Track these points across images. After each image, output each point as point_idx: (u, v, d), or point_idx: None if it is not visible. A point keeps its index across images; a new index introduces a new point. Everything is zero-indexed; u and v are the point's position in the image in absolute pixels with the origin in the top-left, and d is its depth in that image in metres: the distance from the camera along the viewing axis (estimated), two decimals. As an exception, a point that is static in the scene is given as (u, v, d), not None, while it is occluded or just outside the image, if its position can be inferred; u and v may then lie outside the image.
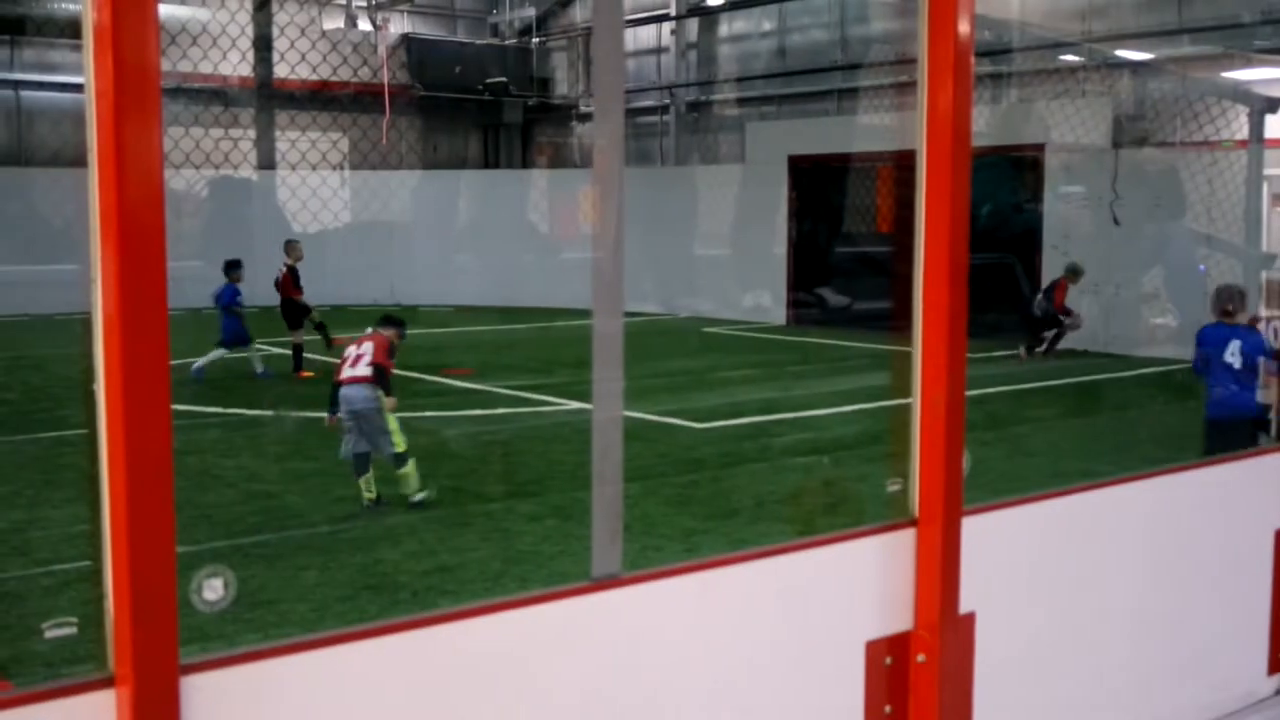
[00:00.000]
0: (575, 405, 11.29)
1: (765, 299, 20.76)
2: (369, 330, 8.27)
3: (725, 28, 24.05)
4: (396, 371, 8.37)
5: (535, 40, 26.09)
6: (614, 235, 2.65)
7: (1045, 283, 16.05)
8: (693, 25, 24.32)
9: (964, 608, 3.12)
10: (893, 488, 3.18)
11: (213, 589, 2.26)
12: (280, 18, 22.15)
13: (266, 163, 23.23)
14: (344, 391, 7.94)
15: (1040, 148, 17.21)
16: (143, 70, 1.88)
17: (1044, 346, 15.21)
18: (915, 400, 3.08)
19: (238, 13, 21.06)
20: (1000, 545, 3.34)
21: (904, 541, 3.09)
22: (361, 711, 2.27)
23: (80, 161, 1.95)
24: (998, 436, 9.93)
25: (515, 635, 2.47)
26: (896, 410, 3.16)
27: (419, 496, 7.95)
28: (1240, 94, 15.42)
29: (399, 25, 24.93)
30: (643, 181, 22.33)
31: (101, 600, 1.99)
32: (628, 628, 2.66)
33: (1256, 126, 13.99)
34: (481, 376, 13.60)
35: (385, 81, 22.60)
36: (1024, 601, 3.45)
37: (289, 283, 13.93)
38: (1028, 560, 3.47)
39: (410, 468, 7.96)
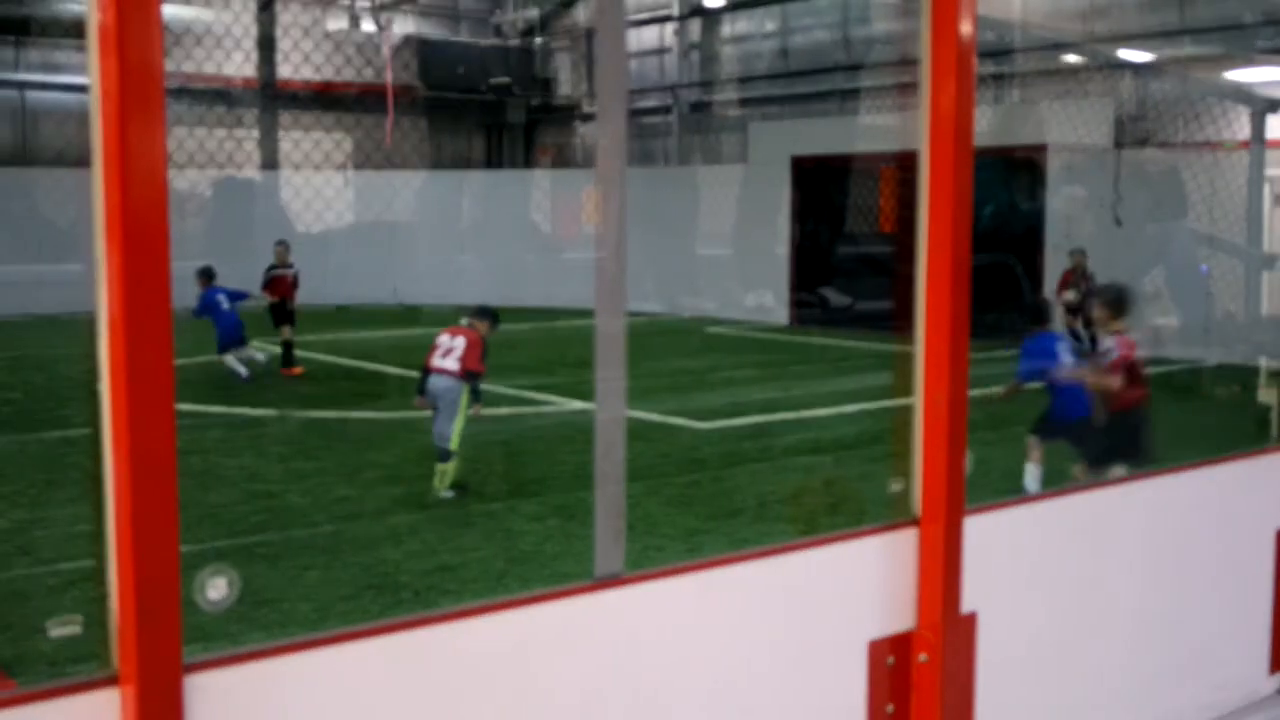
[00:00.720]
0: (578, 405, 11.29)
1: (768, 299, 20.76)
2: (463, 321, 8.41)
3: (728, 28, 24.06)
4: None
5: (538, 41, 26.09)
6: (617, 235, 2.66)
7: (1049, 282, 16.04)
8: (695, 26, 24.32)
9: (966, 607, 3.12)
10: (895, 487, 3.18)
11: (216, 588, 2.27)
12: (284, 18, 22.19)
13: (270, 163, 23.24)
14: (431, 380, 8.21)
15: (1042, 148, 17.20)
16: (147, 71, 1.88)
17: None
18: (917, 400, 3.08)
19: (241, 13, 21.09)
20: (1003, 545, 3.34)
21: (906, 541, 3.10)
22: (364, 711, 2.28)
23: (84, 162, 1.95)
24: (1000, 436, 9.93)
25: (517, 635, 2.47)
26: (899, 410, 3.16)
27: (447, 493, 8.04)
28: (1242, 95, 15.41)
29: (402, 26, 24.95)
30: (645, 182, 22.34)
31: (105, 599, 2.00)
32: (630, 627, 2.66)
33: (1258, 127, 14.01)
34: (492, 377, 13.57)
35: (388, 82, 22.63)
36: (1026, 601, 3.45)
37: (292, 284, 13.97)
38: (1030, 560, 3.48)
39: (451, 466, 8.14)
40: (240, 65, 21.18)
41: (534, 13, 25.88)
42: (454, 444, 8.12)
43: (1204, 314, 15.05)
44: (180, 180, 20.52)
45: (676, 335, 18.80)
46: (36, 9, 21.50)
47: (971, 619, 3.17)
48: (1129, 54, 17.28)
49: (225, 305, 13.05)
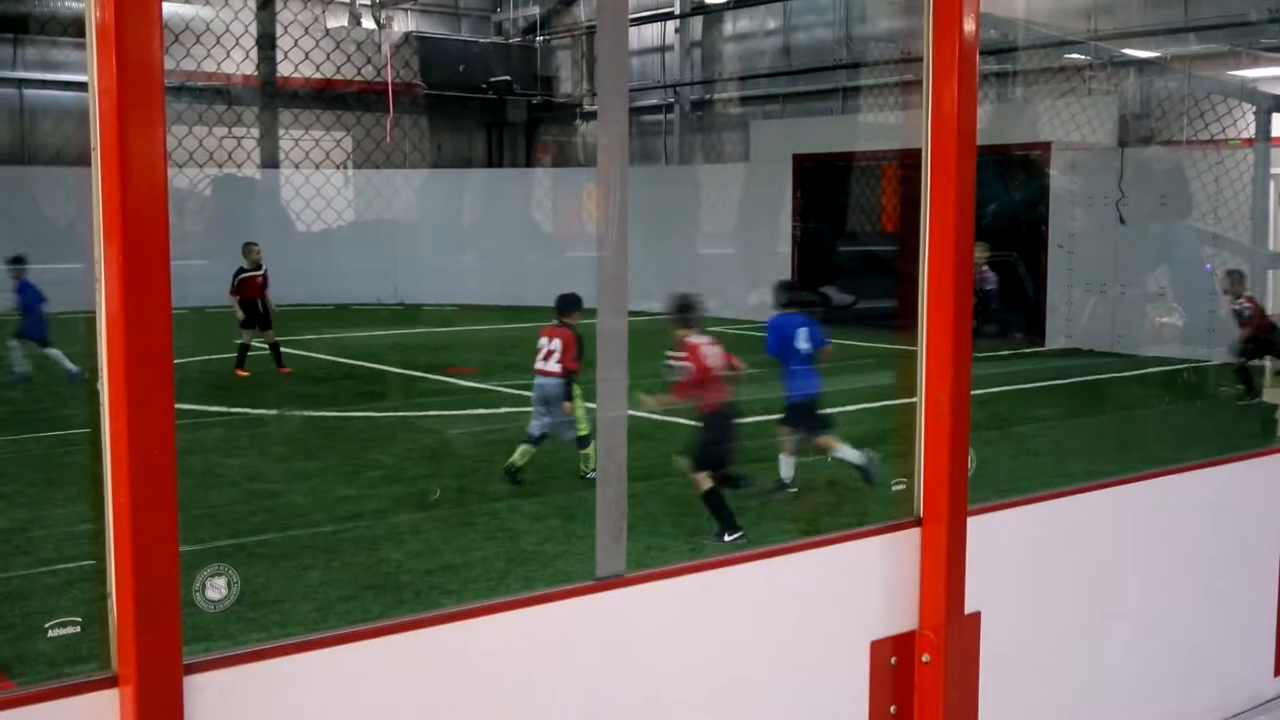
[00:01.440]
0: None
1: (769, 298, 20.74)
2: (553, 321, 8.78)
3: (729, 26, 24.04)
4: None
5: (539, 38, 26.09)
6: (618, 234, 2.65)
7: (1052, 281, 16.05)
8: (697, 23, 24.30)
9: (969, 607, 3.11)
10: (897, 487, 3.17)
11: (216, 588, 2.26)
12: (284, 16, 22.15)
13: (270, 161, 23.23)
14: (537, 381, 8.64)
15: (1046, 146, 17.18)
16: (146, 68, 1.87)
17: None
18: (920, 399, 3.07)
19: (241, 11, 21.06)
20: (1005, 545, 3.33)
21: (909, 541, 3.09)
22: (365, 711, 2.27)
23: (84, 160, 1.94)
24: (1002, 436, 9.91)
25: (519, 635, 2.46)
26: (901, 409, 3.16)
27: (593, 474, 8.20)
28: (1247, 92, 15.40)
29: (403, 23, 24.95)
30: (647, 180, 22.33)
31: (105, 599, 1.99)
32: (632, 627, 2.65)
33: (1263, 125, 13.99)
34: (485, 376, 13.58)
35: (389, 80, 22.61)
36: (1029, 601, 3.44)
37: (262, 285, 13.86)
38: (1033, 560, 3.47)
39: (591, 449, 8.48)
40: (240, 63, 21.14)
41: (535, 10, 25.88)
42: (584, 430, 8.53)
43: (1206, 313, 15.04)
44: (180, 179, 20.51)
45: (678, 334, 18.75)
46: (35, 6, 21.49)
47: (975, 619, 3.16)
48: (1133, 51, 17.26)
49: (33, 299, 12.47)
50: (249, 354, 13.54)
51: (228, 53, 20.15)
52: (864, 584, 3.03)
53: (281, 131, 23.31)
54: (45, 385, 12.95)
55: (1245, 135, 15.12)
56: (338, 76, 22.36)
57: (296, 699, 2.19)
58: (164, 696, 1.98)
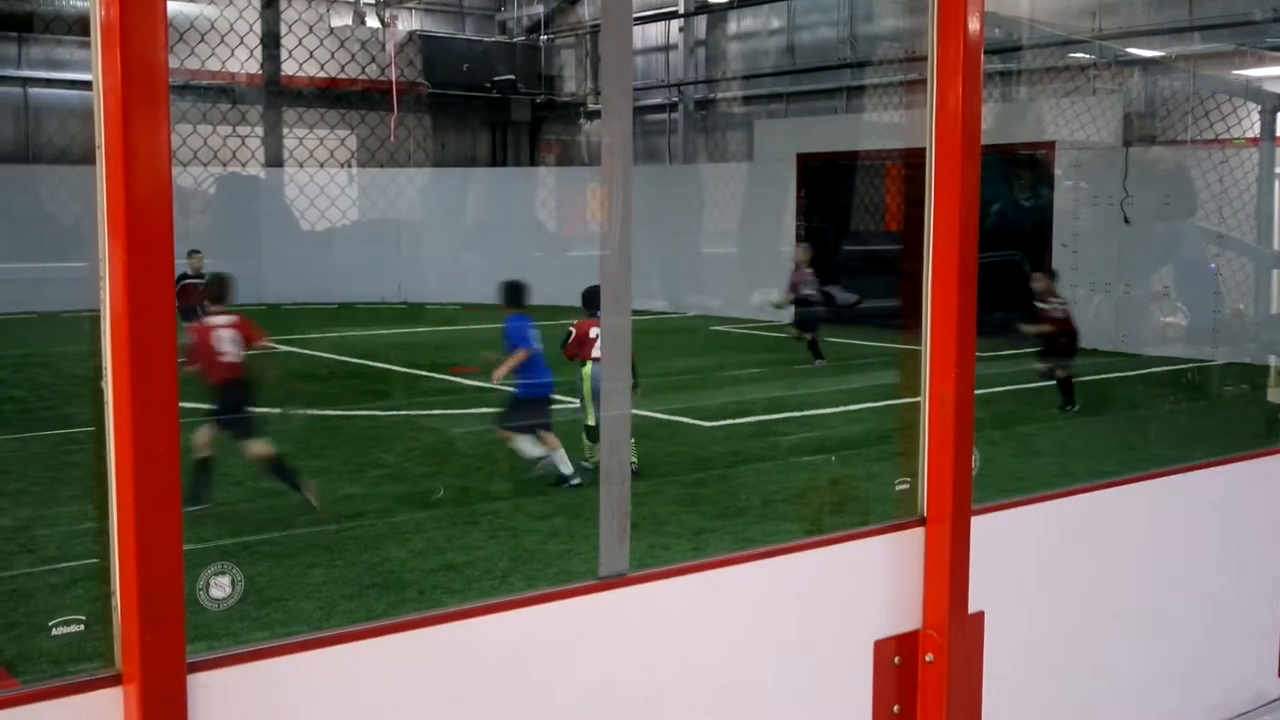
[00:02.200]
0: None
1: (773, 297, 20.74)
2: (593, 313, 8.95)
3: (733, 25, 24.03)
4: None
5: (543, 38, 26.09)
6: (622, 233, 2.64)
7: (1056, 282, 16.03)
8: (701, 23, 24.29)
9: (973, 607, 3.11)
10: (901, 486, 3.17)
11: (220, 586, 2.26)
12: (288, 15, 22.17)
13: (274, 160, 23.24)
14: (593, 368, 8.89)
15: (1050, 145, 17.16)
16: (151, 67, 1.87)
17: None
18: (924, 399, 3.07)
19: (245, 10, 21.08)
20: (1009, 544, 3.33)
21: (912, 541, 3.08)
22: (368, 710, 2.27)
23: (88, 159, 1.94)
24: (1006, 435, 9.91)
25: (522, 634, 2.46)
26: (905, 409, 3.16)
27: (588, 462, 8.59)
28: (1251, 92, 15.38)
29: (407, 22, 24.95)
30: (651, 179, 22.33)
31: (108, 598, 1.99)
32: (635, 626, 2.65)
33: (1268, 124, 13.97)
34: (488, 375, 13.57)
35: (393, 79, 22.61)
36: (1033, 601, 3.43)
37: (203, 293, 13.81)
38: (1037, 560, 3.46)
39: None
40: (244, 62, 21.16)
41: (539, 9, 25.88)
42: (591, 420, 8.80)
43: (1208, 313, 15.03)
44: (184, 177, 20.53)
45: (682, 333, 18.79)
46: (40, 5, 21.52)
47: (978, 619, 3.15)
48: (1137, 51, 17.24)
49: None
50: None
51: (232, 51, 20.16)
52: (867, 583, 3.03)
53: (285, 130, 23.33)
54: (50, 384, 12.97)
55: (1250, 135, 15.10)
56: (342, 75, 22.37)
57: (299, 698, 2.20)
58: (167, 695, 1.98)
